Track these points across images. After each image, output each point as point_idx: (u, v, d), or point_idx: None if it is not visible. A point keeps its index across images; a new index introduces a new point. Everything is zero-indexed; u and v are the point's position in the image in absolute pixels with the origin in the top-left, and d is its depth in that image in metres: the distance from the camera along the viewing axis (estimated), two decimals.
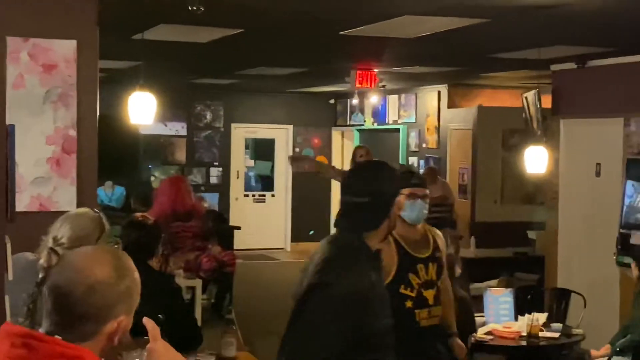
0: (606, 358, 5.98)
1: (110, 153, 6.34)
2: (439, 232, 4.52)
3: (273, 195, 15.96)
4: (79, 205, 4.69)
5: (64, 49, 4.64)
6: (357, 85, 9.92)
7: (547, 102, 9.43)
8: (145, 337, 1.98)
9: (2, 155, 3.91)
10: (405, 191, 4.03)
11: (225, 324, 4.28)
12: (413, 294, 4.17)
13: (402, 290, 4.13)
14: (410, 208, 4.21)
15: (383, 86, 12.04)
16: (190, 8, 5.32)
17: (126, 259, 2.00)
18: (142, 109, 6.40)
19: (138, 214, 4.91)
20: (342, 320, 2.83)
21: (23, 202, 4.53)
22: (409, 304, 4.15)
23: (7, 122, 4.37)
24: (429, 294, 4.25)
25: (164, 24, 6.73)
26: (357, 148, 9.31)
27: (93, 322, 1.89)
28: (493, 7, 5.79)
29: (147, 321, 2.00)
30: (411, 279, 4.18)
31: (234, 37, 7.42)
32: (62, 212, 4.58)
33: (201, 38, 7.56)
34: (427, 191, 4.34)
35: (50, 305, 1.89)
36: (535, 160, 7.84)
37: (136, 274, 1.99)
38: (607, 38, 7.29)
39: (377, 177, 3.08)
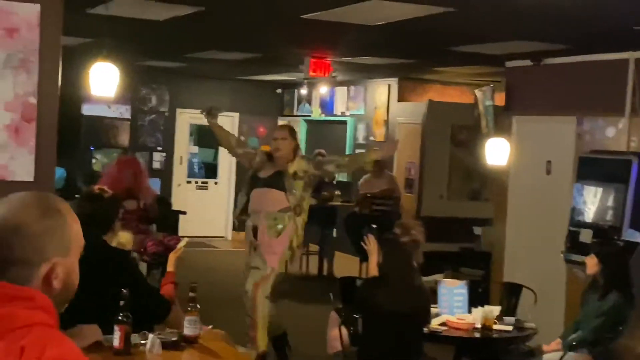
0: (559, 353, 6.00)
1: None
2: None
3: (216, 183, 15.79)
4: (36, 175, 4.53)
5: (27, 13, 4.46)
6: (311, 73, 9.84)
7: (499, 99, 9.47)
8: None
9: None
10: None
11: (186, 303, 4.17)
12: None
13: None
14: None
15: (333, 77, 11.99)
16: None
17: (55, 201, 1.93)
18: (103, 81, 6.20)
19: (95, 186, 4.73)
20: None
21: None
22: None
23: None
24: None
25: None
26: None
27: (24, 266, 1.83)
28: None
29: None
30: None
31: (192, 16, 7.26)
32: (19, 182, 4.42)
33: (159, 15, 7.38)
34: None
35: None
36: (496, 152, 7.85)
37: (69, 217, 1.91)
38: (565, 35, 7.33)
39: None
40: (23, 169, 4.45)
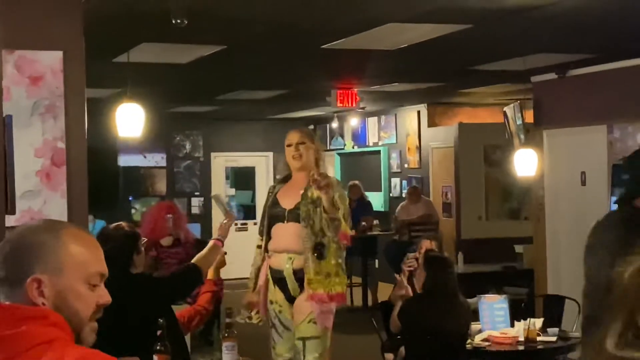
0: None
1: (89, 186, 6.24)
2: None
3: (255, 224, 15.84)
4: (69, 218, 4.61)
5: (50, 60, 4.58)
6: (339, 104, 9.91)
7: (529, 116, 9.46)
8: None
9: (0, 146, 3.80)
10: None
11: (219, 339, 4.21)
12: None
13: None
14: None
15: (362, 108, 12.05)
16: (174, 22, 5.29)
17: (62, 224, 1.97)
18: (130, 122, 6.33)
19: (113, 225, 4.76)
20: None
21: (13, 217, 4.43)
22: None
23: None
24: None
25: (146, 43, 6.68)
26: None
27: (7, 284, 1.82)
28: (475, 11, 5.79)
29: None
30: None
31: (215, 56, 7.38)
32: None
33: (182, 58, 7.51)
34: None
35: None
36: (525, 163, 7.83)
37: (66, 238, 1.86)
38: (589, 44, 7.33)
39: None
40: (56, 212, 4.53)
